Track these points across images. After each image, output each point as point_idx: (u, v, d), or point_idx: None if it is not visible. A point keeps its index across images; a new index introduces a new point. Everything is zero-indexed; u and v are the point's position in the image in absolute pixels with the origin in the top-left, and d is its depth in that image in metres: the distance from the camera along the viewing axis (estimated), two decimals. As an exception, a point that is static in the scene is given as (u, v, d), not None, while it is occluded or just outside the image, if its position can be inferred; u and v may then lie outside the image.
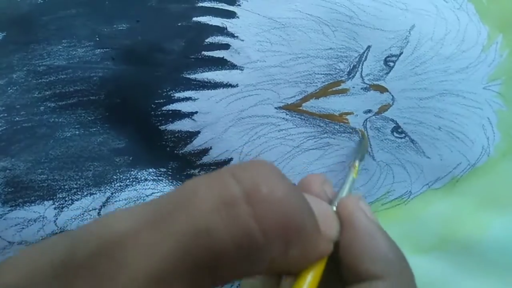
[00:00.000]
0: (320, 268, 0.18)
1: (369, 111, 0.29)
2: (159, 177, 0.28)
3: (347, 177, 0.24)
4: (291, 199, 0.15)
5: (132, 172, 0.28)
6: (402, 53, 0.29)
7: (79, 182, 0.27)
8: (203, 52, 0.28)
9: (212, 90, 0.28)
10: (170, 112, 0.27)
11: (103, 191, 0.27)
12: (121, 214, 0.15)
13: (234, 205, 0.14)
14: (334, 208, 0.20)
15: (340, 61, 0.29)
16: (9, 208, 0.26)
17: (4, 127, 0.26)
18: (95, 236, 0.15)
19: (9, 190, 0.26)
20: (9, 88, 0.27)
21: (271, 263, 0.15)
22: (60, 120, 0.27)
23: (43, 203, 0.26)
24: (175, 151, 0.28)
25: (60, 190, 0.27)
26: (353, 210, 0.19)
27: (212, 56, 0.28)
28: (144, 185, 0.28)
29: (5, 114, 0.26)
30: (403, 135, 0.29)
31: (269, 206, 0.15)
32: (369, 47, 0.29)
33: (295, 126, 0.29)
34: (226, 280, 0.15)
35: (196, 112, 0.28)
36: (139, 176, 0.28)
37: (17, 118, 0.27)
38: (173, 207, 0.15)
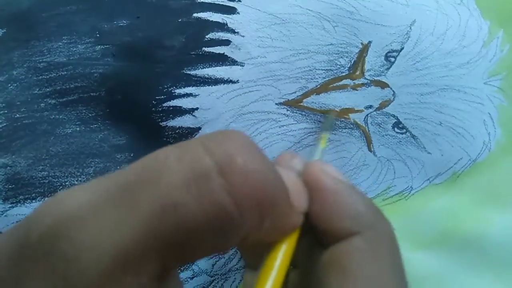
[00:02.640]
0: (293, 239, 0.18)
1: (370, 106, 0.29)
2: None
3: (315, 148, 0.24)
4: (266, 171, 0.14)
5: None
6: (403, 48, 0.29)
7: (80, 179, 0.27)
8: (203, 48, 0.28)
9: (213, 86, 0.28)
10: (171, 108, 0.27)
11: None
12: (78, 189, 0.14)
13: (206, 179, 0.13)
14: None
15: (341, 57, 0.29)
16: (10, 205, 0.26)
17: (5, 124, 0.26)
18: (48, 214, 0.13)
19: (10, 187, 0.26)
20: (9, 85, 0.26)
21: (245, 237, 0.15)
22: (60, 116, 0.27)
23: (44, 199, 0.26)
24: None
25: (61, 187, 0.27)
26: (317, 174, 0.18)
27: (212, 52, 0.28)
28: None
29: (6, 111, 0.26)
30: (404, 130, 0.29)
31: (244, 178, 0.14)
32: (370, 42, 0.29)
33: (296, 122, 0.28)
34: (198, 256, 0.15)
35: (197, 109, 0.27)
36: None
37: (17, 115, 0.27)
38: (140, 180, 0.13)
